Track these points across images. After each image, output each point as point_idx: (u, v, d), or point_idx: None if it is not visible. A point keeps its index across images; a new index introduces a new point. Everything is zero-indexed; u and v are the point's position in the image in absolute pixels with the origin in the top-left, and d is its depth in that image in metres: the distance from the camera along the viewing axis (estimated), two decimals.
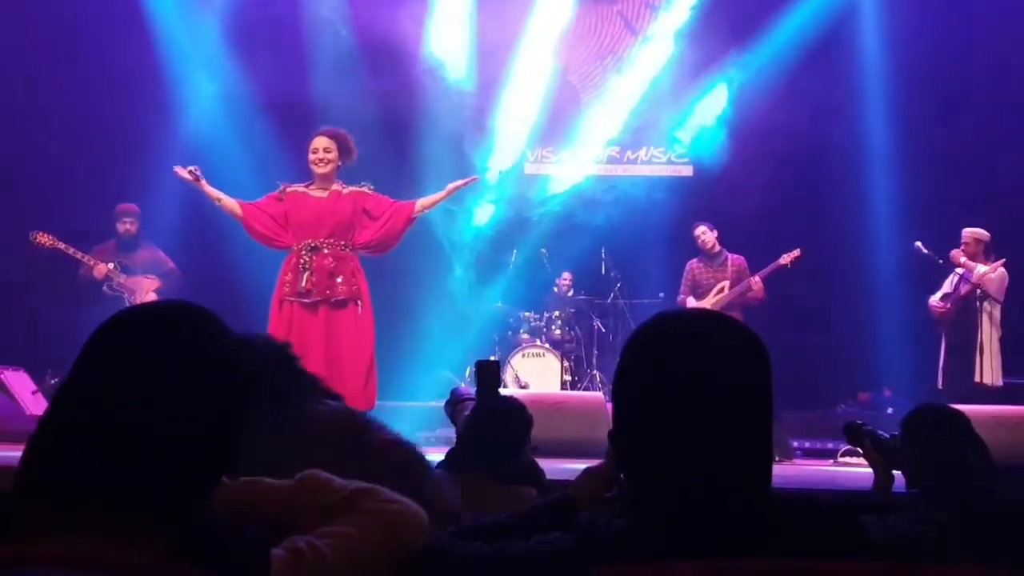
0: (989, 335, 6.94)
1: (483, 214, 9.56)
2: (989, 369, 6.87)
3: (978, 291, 6.96)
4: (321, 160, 5.39)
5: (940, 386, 7.09)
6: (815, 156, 9.02)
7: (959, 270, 7.12)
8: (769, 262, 7.43)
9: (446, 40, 9.51)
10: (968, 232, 7.14)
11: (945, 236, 7.34)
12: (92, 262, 7.17)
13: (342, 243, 5.40)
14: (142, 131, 8.38)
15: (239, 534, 1.13)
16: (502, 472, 2.55)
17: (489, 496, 2.44)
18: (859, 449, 2.46)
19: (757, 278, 7.28)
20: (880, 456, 2.33)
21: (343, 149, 5.46)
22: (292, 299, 5.31)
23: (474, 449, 2.62)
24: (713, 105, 9.57)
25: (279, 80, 8.73)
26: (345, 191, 5.47)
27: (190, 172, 5.44)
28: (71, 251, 7.11)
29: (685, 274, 7.60)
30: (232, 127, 8.77)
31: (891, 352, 8.41)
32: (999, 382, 6.88)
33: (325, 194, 5.44)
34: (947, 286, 7.23)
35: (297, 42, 9.09)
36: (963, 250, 7.09)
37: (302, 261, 5.31)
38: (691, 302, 7.41)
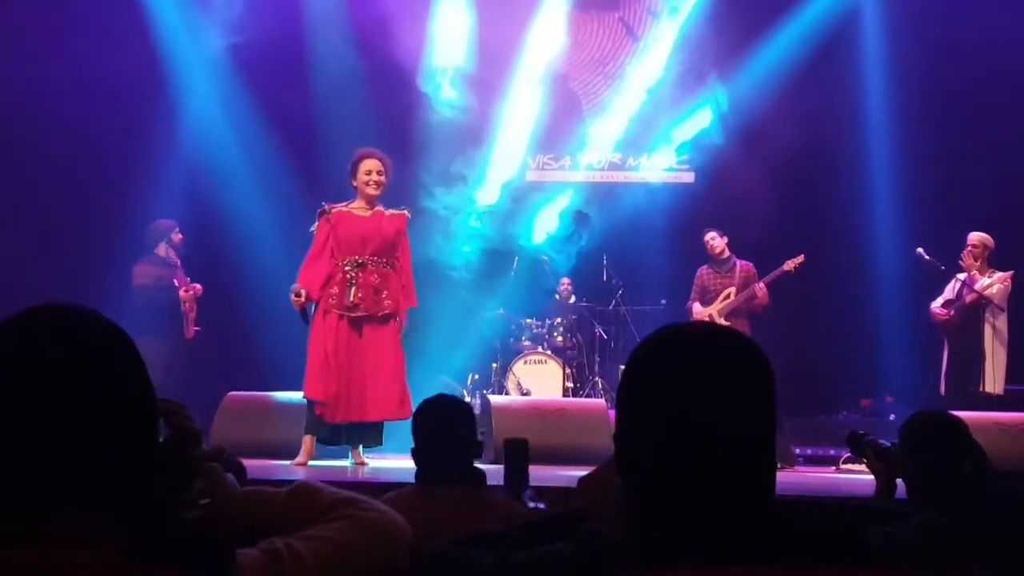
0: (992, 343, 6.93)
1: (484, 221, 9.57)
2: (991, 377, 6.87)
3: (982, 299, 6.95)
4: (376, 183, 5.54)
5: (943, 392, 7.08)
6: (817, 162, 9.02)
7: (960, 276, 7.11)
8: (771, 268, 7.42)
9: (448, 48, 9.53)
10: (977, 236, 7.12)
11: (947, 243, 7.33)
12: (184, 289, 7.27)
13: (385, 260, 5.54)
14: (144, 146, 8.40)
15: (204, 534, 1.14)
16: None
17: (485, 508, 2.43)
18: (863, 459, 2.45)
19: (761, 284, 7.26)
20: (881, 465, 2.33)
21: (389, 173, 5.61)
22: (339, 312, 5.42)
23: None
24: (714, 111, 9.57)
25: (281, 94, 8.75)
26: (388, 212, 5.62)
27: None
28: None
29: (695, 280, 7.60)
30: (235, 142, 8.79)
31: (893, 359, 8.40)
32: (1001, 390, 6.88)
33: (369, 213, 5.57)
34: (948, 292, 7.22)
35: (299, 57, 9.11)
36: (970, 252, 7.07)
37: (348, 276, 5.43)
38: (697, 308, 7.39)
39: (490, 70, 9.58)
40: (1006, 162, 8.67)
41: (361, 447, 5.55)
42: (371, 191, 5.53)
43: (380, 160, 5.59)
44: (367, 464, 5.48)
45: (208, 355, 7.79)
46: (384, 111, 8.95)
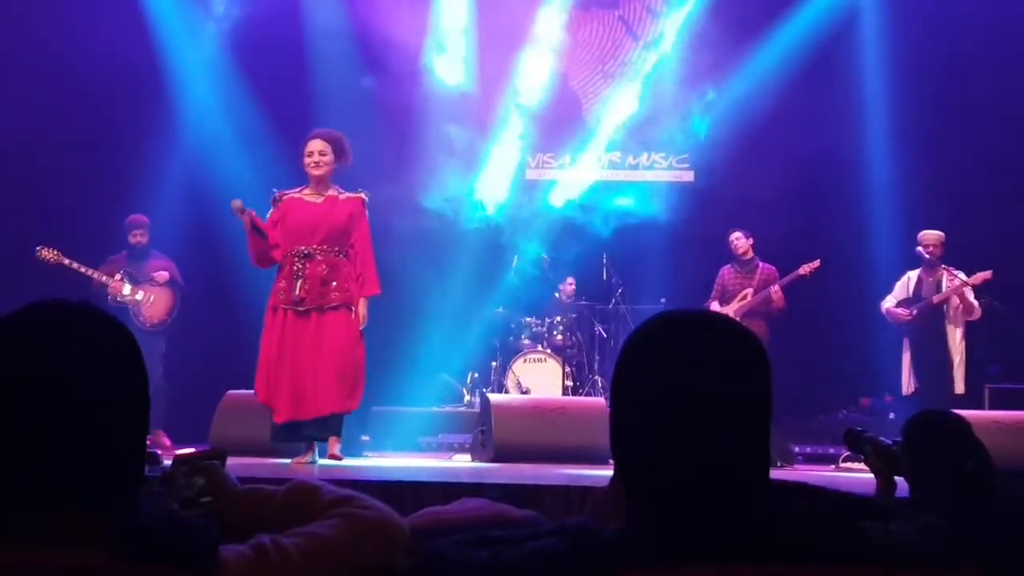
0: (957, 342, 6.95)
1: (484, 220, 9.57)
2: (957, 376, 6.89)
3: (952, 298, 6.95)
4: (316, 163, 5.32)
5: (905, 392, 7.09)
6: (816, 161, 9.01)
7: (910, 274, 7.13)
8: (772, 267, 7.44)
9: (447, 46, 9.53)
10: (933, 236, 7.10)
11: (947, 242, 7.31)
12: (98, 275, 7.06)
13: (336, 249, 5.33)
14: (142, 141, 8.38)
15: (187, 529, 1.13)
16: None
17: None
18: (861, 456, 2.45)
19: (776, 288, 7.28)
20: (882, 463, 2.32)
21: (338, 151, 5.38)
22: (286, 307, 5.26)
23: None
24: (715, 110, 9.58)
25: (279, 86, 8.74)
26: (342, 196, 5.41)
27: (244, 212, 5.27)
28: (75, 266, 6.98)
29: (716, 279, 7.62)
30: (232, 133, 8.77)
31: (892, 357, 8.39)
32: (962, 389, 6.89)
33: (320, 199, 5.37)
34: (901, 291, 7.23)
35: (297, 49, 9.10)
36: (932, 253, 7.06)
37: (295, 268, 5.26)
38: (715, 307, 7.39)
39: (490, 67, 9.58)
40: (1006, 162, 8.67)
41: (332, 440, 5.32)
42: (313, 171, 5.33)
43: (323, 139, 5.37)
44: (343, 459, 5.29)
45: (207, 354, 7.78)
46: (383, 104, 8.92)
